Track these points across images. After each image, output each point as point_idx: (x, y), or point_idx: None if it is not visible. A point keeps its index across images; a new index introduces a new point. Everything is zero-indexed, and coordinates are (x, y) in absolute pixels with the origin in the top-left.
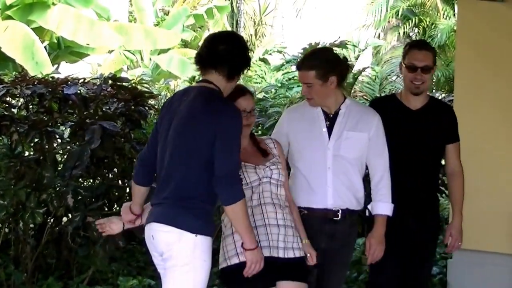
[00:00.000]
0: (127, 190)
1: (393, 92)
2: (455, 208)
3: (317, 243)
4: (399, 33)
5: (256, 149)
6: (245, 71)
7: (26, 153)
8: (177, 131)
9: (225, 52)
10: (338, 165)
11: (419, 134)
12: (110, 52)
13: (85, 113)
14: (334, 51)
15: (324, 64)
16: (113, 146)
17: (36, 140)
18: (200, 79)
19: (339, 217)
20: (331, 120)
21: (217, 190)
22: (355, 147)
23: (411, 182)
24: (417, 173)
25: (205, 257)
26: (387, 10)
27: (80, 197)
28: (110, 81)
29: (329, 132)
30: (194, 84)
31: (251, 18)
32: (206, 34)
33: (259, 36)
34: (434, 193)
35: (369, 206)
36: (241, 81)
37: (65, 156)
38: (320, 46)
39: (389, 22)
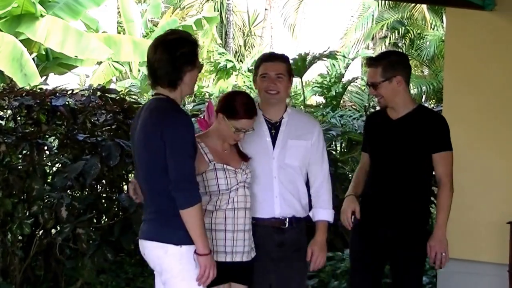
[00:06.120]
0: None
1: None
2: (436, 220)
3: (268, 253)
4: (385, 43)
5: (236, 152)
6: (191, 68)
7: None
8: (136, 147)
9: (157, 66)
10: (284, 174)
11: (398, 142)
12: (98, 63)
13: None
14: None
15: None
16: (125, 164)
17: (25, 151)
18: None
19: (286, 225)
20: (275, 128)
21: (173, 194)
22: (299, 155)
23: (393, 189)
24: (399, 181)
25: (194, 265)
26: (372, 24)
27: (71, 208)
28: (98, 93)
29: (272, 141)
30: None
31: (240, 29)
32: None
33: (248, 47)
34: (418, 202)
35: (310, 213)
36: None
37: (54, 168)
38: (309, 56)
39: (378, 32)
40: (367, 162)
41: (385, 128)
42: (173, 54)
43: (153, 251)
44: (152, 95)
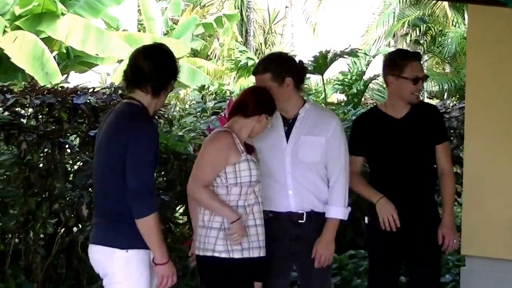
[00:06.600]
0: None
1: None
2: (445, 208)
3: (285, 248)
4: (406, 40)
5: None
6: (173, 83)
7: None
8: (98, 149)
9: (147, 70)
10: (298, 169)
11: (407, 141)
12: (119, 61)
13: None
14: (288, 54)
15: (279, 66)
16: None
17: (46, 150)
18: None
19: (304, 219)
20: (289, 125)
21: (129, 203)
22: (313, 151)
23: (405, 189)
24: (410, 180)
25: (141, 270)
26: (394, 21)
27: (92, 206)
28: (120, 91)
29: (287, 137)
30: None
31: (261, 26)
32: (215, 43)
33: (269, 45)
34: (429, 201)
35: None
36: None
37: (75, 167)
38: (330, 54)
39: (399, 29)
40: (360, 166)
41: (391, 129)
42: (168, 64)
43: (96, 256)
44: (124, 98)
